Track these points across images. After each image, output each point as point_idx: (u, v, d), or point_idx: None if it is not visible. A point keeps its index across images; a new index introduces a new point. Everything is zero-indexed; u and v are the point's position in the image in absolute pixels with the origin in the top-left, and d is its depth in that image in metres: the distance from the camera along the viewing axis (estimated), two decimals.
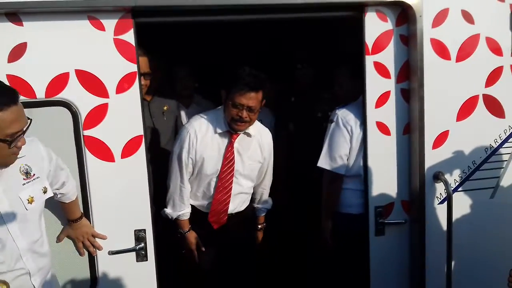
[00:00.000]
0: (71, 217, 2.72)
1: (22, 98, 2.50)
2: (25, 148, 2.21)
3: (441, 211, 3.13)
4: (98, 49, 2.65)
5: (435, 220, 3.13)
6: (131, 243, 2.85)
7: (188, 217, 3.31)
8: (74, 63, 2.62)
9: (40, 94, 2.60)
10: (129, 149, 2.77)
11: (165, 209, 3.29)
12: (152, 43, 3.35)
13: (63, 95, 2.63)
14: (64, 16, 2.57)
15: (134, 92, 2.73)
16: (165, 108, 3.78)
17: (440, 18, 2.96)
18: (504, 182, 3.22)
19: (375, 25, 2.96)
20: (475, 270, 3.21)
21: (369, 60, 2.98)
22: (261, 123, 3.48)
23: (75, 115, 2.67)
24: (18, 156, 2.21)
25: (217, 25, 3.33)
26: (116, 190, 2.79)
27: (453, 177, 3.14)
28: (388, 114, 3.06)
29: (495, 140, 3.17)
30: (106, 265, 2.85)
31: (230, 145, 3.23)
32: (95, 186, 2.76)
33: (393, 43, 2.99)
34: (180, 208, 3.26)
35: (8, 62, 2.53)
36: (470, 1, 2.99)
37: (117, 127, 2.74)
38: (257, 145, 3.33)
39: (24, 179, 2.29)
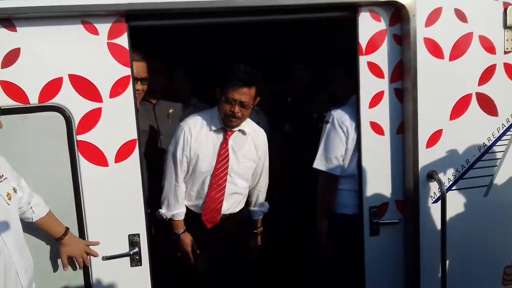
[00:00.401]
0: (56, 235, 2.81)
1: (15, 103, 2.65)
2: None
3: (435, 210, 3.23)
4: (92, 54, 2.75)
5: (429, 219, 3.24)
6: (125, 248, 2.96)
7: (183, 217, 3.41)
8: (67, 67, 2.72)
9: (34, 100, 2.70)
10: (122, 154, 2.87)
11: (160, 209, 3.39)
12: (151, 46, 3.46)
13: (56, 100, 2.73)
14: (57, 21, 2.66)
15: (128, 96, 2.83)
16: (170, 111, 3.89)
17: (433, 17, 3.07)
18: (498, 180, 3.33)
19: (369, 25, 3.06)
20: (470, 268, 3.34)
21: (363, 60, 3.08)
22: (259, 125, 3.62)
23: (68, 120, 2.76)
24: None
25: (212, 27, 3.45)
26: (109, 194, 2.89)
27: (447, 176, 3.25)
28: (382, 114, 3.17)
29: (489, 139, 3.28)
30: (100, 271, 2.95)
31: (224, 142, 3.36)
32: (88, 191, 2.86)
33: (387, 43, 3.10)
34: (175, 208, 3.36)
35: (1, 68, 2.63)
36: (463, 0, 3.10)
37: (111, 131, 2.84)
38: (252, 144, 3.47)
39: None
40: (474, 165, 3.31)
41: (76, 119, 2.79)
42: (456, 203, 3.30)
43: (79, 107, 2.78)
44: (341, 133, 3.38)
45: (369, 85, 3.14)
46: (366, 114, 3.18)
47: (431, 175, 3.21)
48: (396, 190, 3.28)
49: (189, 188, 3.42)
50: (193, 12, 2.85)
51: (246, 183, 3.51)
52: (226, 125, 3.34)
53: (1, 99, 2.63)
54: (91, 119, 2.81)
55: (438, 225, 3.19)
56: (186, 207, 3.44)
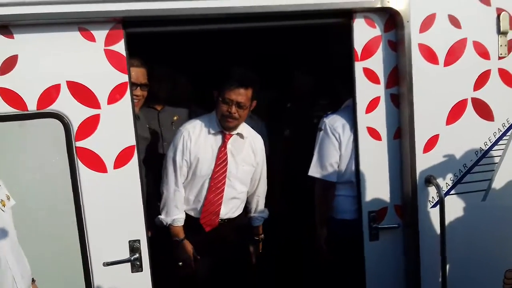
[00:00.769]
0: None
1: (13, 110, 2.57)
2: None
3: (433, 214, 3.15)
4: (89, 60, 2.69)
5: (428, 224, 3.16)
6: (125, 254, 2.87)
7: (183, 223, 3.33)
8: (65, 74, 2.67)
9: (32, 106, 2.63)
10: (121, 160, 2.80)
11: (159, 216, 3.31)
12: (152, 52, 3.41)
13: (54, 106, 2.66)
14: (54, 28, 2.61)
15: (126, 102, 2.77)
16: (174, 118, 3.82)
17: (427, 23, 3.01)
18: (496, 185, 3.25)
19: (364, 31, 3.01)
20: (470, 272, 3.24)
21: (359, 66, 3.03)
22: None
23: (67, 126, 2.70)
24: None
25: (210, 33, 3.39)
26: (109, 201, 2.82)
27: (445, 181, 3.17)
28: (378, 119, 3.11)
29: (485, 143, 3.20)
30: (101, 277, 2.87)
31: (223, 146, 3.30)
32: (88, 197, 2.78)
33: (382, 48, 3.04)
34: (174, 213, 3.29)
35: None
36: (456, 6, 3.04)
37: (109, 137, 2.77)
38: (250, 148, 3.42)
39: None
40: (472, 169, 3.22)
41: (75, 125, 2.72)
42: (454, 207, 3.21)
43: (77, 113, 2.72)
44: (334, 139, 3.32)
45: (365, 90, 3.08)
46: (363, 120, 3.11)
47: (429, 180, 3.13)
48: (395, 195, 3.20)
49: (187, 192, 3.35)
50: (190, 19, 2.80)
51: (244, 187, 3.44)
52: (223, 126, 3.29)
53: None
54: (90, 125, 2.74)
55: (437, 229, 3.11)
56: (186, 213, 3.37)
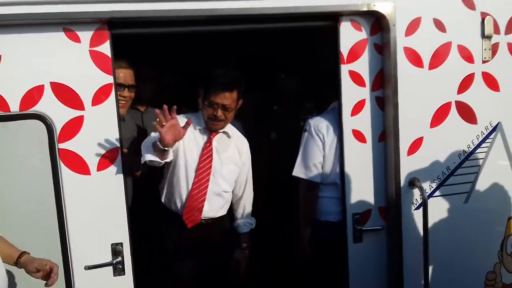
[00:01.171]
0: (10, 260, 2.60)
1: None
2: None
3: (417, 216, 3.23)
4: (74, 61, 2.71)
5: (411, 226, 3.24)
6: (108, 257, 2.90)
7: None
8: (49, 75, 2.69)
9: (14, 107, 2.65)
10: (105, 162, 2.83)
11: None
12: (138, 54, 3.45)
13: (37, 108, 2.68)
14: (39, 29, 2.63)
15: (111, 104, 2.79)
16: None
17: (412, 27, 3.09)
18: (478, 187, 3.35)
19: (350, 35, 3.08)
20: (452, 273, 3.33)
21: (344, 69, 3.09)
22: None
23: (49, 128, 2.72)
24: None
25: (196, 35, 3.44)
26: (92, 203, 2.84)
27: (428, 183, 3.26)
28: (363, 122, 3.18)
29: (468, 146, 3.30)
30: (82, 281, 2.88)
31: (208, 142, 3.36)
32: (70, 199, 2.80)
33: (368, 52, 3.11)
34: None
35: None
36: (442, 10, 3.12)
37: (93, 139, 2.80)
38: (235, 148, 3.48)
39: None
40: (455, 172, 3.31)
41: (58, 127, 2.74)
42: (437, 209, 3.30)
43: (60, 115, 2.74)
44: (318, 140, 3.39)
45: (351, 93, 3.15)
46: (348, 122, 3.18)
47: (413, 182, 3.21)
48: (379, 197, 3.27)
49: (171, 189, 3.38)
50: (175, 21, 2.84)
51: (229, 187, 3.48)
52: (209, 128, 3.36)
53: None
54: (73, 127, 2.76)
55: (421, 231, 3.18)
56: (168, 210, 3.41)
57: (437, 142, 3.24)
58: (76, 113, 2.75)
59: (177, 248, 3.42)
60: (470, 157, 3.32)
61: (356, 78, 3.13)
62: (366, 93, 3.16)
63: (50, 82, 2.69)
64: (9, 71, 2.63)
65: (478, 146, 3.33)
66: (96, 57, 2.75)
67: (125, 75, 3.31)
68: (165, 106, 2.87)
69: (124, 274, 2.94)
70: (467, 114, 3.28)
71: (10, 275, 2.61)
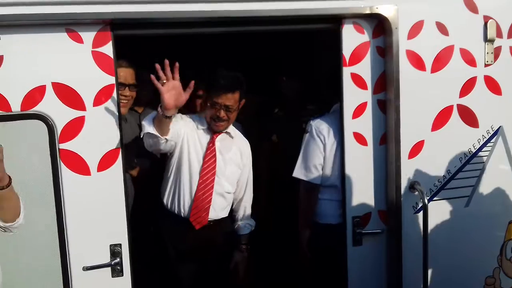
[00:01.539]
0: None
1: None
2: None
3: (417, 220, 3.28)
4: (76, 62, 2.76)
5: (411, 229, 3.28)
6: (106, 258, 2.95)
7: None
8: (51, 75, 2.73)
9: (16, 107, 2.70)
10: (105, 163, 2.88)
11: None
12: (138, 54, 3.49)
13: (39, 108, 2.73)
14: (41, 29, 2.67)
15: (112, 105, 2.84)
16: None
17: (415, 30, 3.14)
18: (479, 191, 3.40)
19: (352, 37, 3.13)
20: (452, 278, 3.38)
21: (347, 72, 3.15)
22: None
23: (51, 128, 2.76)
24: None
25: (197, 36, 3.50)
26: (91, 204, 2.89)
27: (429, 187, 3.31)
28: (365, 124, 3.23)
29: (470, 150, 3.35)
30: (81, 281, 2.93)
31: (211, 142, 3.43)
32: (70, 199, 2.85)
33: (370, 54, 3.16)
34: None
35: None
36: (444, 13, 3.18)
37: (94, 140, 2.84)
38: (237, 149, 3.55)
39: None
40: (456, 175, 3.37)
41: (59, 127, 2.79)
42: (438, 213, 3.34)
43: (62, 115, 2.79)
44: (319, 141, 3.46)
45: (353, 96, 3.20)
46: (350, 125, 3.23)
47: (413, 186, 3.26)
48: (379, 200, 3.33)
49: (174, 190, 3.43)
50: (178, 22, 2.89)
51: (231, 188, 3.54)
52: (212, 128, 3.43)
53: None
54: (74, 127, 2.81)
55: (421, 235, 3.23)
56: (169, 212, 3.45)
57: (438, 145, 3.30)
58: (78, 113, 2.80)
59: (177, 250, 3.47)
60: (471, 161, 3.37)
61: (358, 80, 3.18)
62: (367, 96, 3.21)
63: (52, 83, 2.74)
64: (11, 71, 2.67)
65: (480, 150, 3.39)
66: (99, 58, 2.80)
67: (126, 74, 3.36)
68: (166, 61, 2.87)
69: (122, 275, 2.99)
70: (469, 117, 3.34)
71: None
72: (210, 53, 4.31)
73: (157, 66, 2.88)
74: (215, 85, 3.32)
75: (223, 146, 3.47)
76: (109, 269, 2.98)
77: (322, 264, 3.59)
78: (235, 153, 3.55)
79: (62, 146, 2.81)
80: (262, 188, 3.97)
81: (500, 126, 3.41)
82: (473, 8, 3.24)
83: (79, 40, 2.77)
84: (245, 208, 3.71)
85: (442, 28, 3.21)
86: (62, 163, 2.82)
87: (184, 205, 3.41)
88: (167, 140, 3.12)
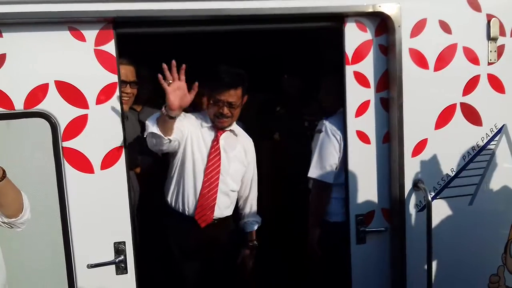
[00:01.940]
0: None
1: (0, 109, 2.63)
2: None
3: (421, 218, 3.25)
4: (79, 60, 2.75)
5: (415, 228, 3.26)
6: (110, 256, 2.94)
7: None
8: (53, 74, 2.73)
9: (19, 106, 2.69)
10: (109, 161, 2.87)
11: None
12: (139, 52, 3.48)
13: (42, 106, 2.72)
14: (44, 27, 2.67)
15: (115, 103, 2.83)
16: None
17: (418, 28, 3.12)
18: (483, 189, 3.38)
19: (355, 36, 3.11)
20: (456, 276, 3.36)
21: (349, 70, 3.13)
22: None
23: (54, 126, 2.76)
24: None
25: (200, 35, 3.49)
26: (95, 202, 2.88)
27: (432, 185, 3.28)
28: (368, 123, 3.20)
29: (473, 148, 3.32)
30: (85, 279, 2.92)
31: (215, 140, 3.42)
32: (73, 198, 2.84)
33: (373, 53, 3.14)
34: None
35: None
36: (447, 12, 3.15)
37: (97, 138, 2.83)
38: (241, 147, 3.54)
39: None
40: (459, 174, 3.34)
41: (62, 125, 2.78)
42: (441, 211, 3.32)
43: (65, 113, 2.78)
44: (335, 141, 3.45)
45: (355, 94, 3.18)
46: (353, 123, 3.20)
47: (417, 184, 3.24)
48: (382, 198, 3.30)
49: (179, 189, 3.41)
50: (181, 20, 2.87)
51: (236, 186, 3.53)
52: (216, 126, 3.42)
53: None
54: (77, 125, 2.80)
55: (424, 233, 3.20)
56: (174, 210, 3.43)
57: (442, 143, 3.27)
58: (81, 111, 2.79)
59: (182, 249, 3.45)
60: (475, 159, 3.35)
61: (361, 79, 3.16)
62: (370, 94, 3.19)
63: (55, 81, 2.74)
64: (14, 69, 2.67)
65: (483, 148, 3.36)
66: (101, 56, 2.79)
67: (126, 71, 3.35)
68: (173, 62, 2.86)
69: (126, 272, 2.98)
70: (472, 116, 3.31)
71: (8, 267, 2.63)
72: (212, 51, 4.29)
73: (164, 66, 2.87)
74: (218, 82, 3.32)
75: (227, 144, 3.46)
76: (113, 266, 2.97)
77: (331, 262, 3.58)
78: (240, 151, 3.54)
79: (65, 144, 2.80)
80: (265, 186, 3.92)
81: (504, 124, 3.38)
82: (476, 7, 3.21)
83: (82, 38, 2.76)
84: (251, 205, 3.71)
85: (445, 27, 3.18)
86: (65, 161, 2.82)
87: (189, 203, 3.39)
88: (170, 140, 3.11)
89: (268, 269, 4.60)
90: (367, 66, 3.16)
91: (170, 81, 2.89)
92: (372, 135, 3.24)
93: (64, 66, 2.75)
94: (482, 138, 3.35)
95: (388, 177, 3.28)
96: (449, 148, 3.30)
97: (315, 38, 3.56)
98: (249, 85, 3.44)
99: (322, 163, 3.50)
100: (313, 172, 3.53)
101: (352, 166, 3.25)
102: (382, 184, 3.29)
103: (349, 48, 3.12)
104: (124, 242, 2.96)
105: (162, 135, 3.04)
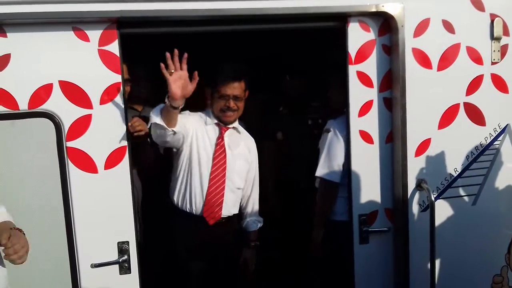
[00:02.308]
0: None
1: (4, 109, 2.64)
2: None
3: (424, 218, 3.23)
4: (82, 60, 2.76)
5: (418, 228, 3.24)
6: (114, 256, 2.94)
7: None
8: (58, 74, 2.73)
9: (23, 106, 2.70)
10: (112, 160, 2.87)
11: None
12: (142, 53, 3.49)
13: (46, 106, 2.73)
14: (48, 27, 2.67)
15: (118, 103, 2.83)
16: None
17: (421, 28, 3.11)
18: (486, 189, 3.36)
19: (358, 35, 3.10)
20: (459, 276, 3.34)
21: (352, 70, 3.12)
22: None
23: (58, 126, 2.76)
24: None
25: (202, 35, 3.48)
26: (99, 201, 2.88)
27: (436, 185, 3.26)
28: (371, 123, 3.20)
29: (477, 148, 3.31)
30: (89, 278, 2.92)
31: (220, 137, 3.42)
32: (77, 197, 2.84)
33: (376, 52, 3.13)
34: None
35: None
36: (450, 11, 3.14)
37: (101, 138, 2.84)
38: (245, 145, 3.55)
39: None
40: (463, 174, 3.32)
41: (66, 125, 2.78)
42: (444, 211, 3.31)
43: (69, 113, 2.78)
44: (343, 141, 3.44)
45: (359, 94, 3.17)
46: (356, 123, 3.20)
47: (420, 184, 3.23)
48: (386, 198, 3.29)
49: (185, 187, 3.39)
50: (184, 20, 2.88)
51: (241, 183, 3.53)
52: (223, 121, 3.43)
53: None
54: (81, 125, 2.80)
55: (427, 233, 3.19)
56: (179, 209, 3.42)
57: (445, 143, 3.26)
58: (85, 111, 2.80)
59: (188, 248, 3.44)
60: (478, 159, 3.33)
61: (364, 78, 3.15)
62: (373, 94, 3.18)
63: (59, 81, 2.74)
64: (18, 70, 2.68)
65: (487, 148, 3.34)
66: (105, 56, 2.79)
67: None
68: (175, 50, 2.86)
69: (130, 272, 2.98)
70: (476, 115, 3.29)
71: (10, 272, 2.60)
72: (215, 51, 4.28)
73: (167, 54, 2.86)
74: (221, 77, 3.34)
75: (231, 141, 3.47)
76: (116, 266, 2.97)
77: (334, 261, 3.58)
78: (243, 148, 3.55)
79: (69, 144, 2.80)
80: (267, 186, 3.92)
81: (507, 124, 3.36)
82: (480, 6, 3.20)
83: (86, 38, 2.76)
84: (253, 204, 3.69)
85: (448, 26, 3.17)
86: (69, 161, 2.82)
87: (196, 202, 3.38)
88: (174, 132, 3.09)
89: (270, 269, 4.58)
90: (370, 66, 3.15)
91: (172, 71, 2.88)
92: (375, 135, 3.23)
93: (68, 66, 2.75)
94: (486, 138, 3.34)
95: (391, 177, 3.27)
96: (453, 148, 3.29)
97: (324, 37, 3.53)
98: (252, 85, 3.45)
99: (330, 162, 3.51)
100: (321, 171, 3.54)
101: (355, 166, 3.24)
102: (385, 184, 3.28)
103: (352, 48, 3.11)
104: (127, 242, 2.96)
105: (166, 126, 3.02)
